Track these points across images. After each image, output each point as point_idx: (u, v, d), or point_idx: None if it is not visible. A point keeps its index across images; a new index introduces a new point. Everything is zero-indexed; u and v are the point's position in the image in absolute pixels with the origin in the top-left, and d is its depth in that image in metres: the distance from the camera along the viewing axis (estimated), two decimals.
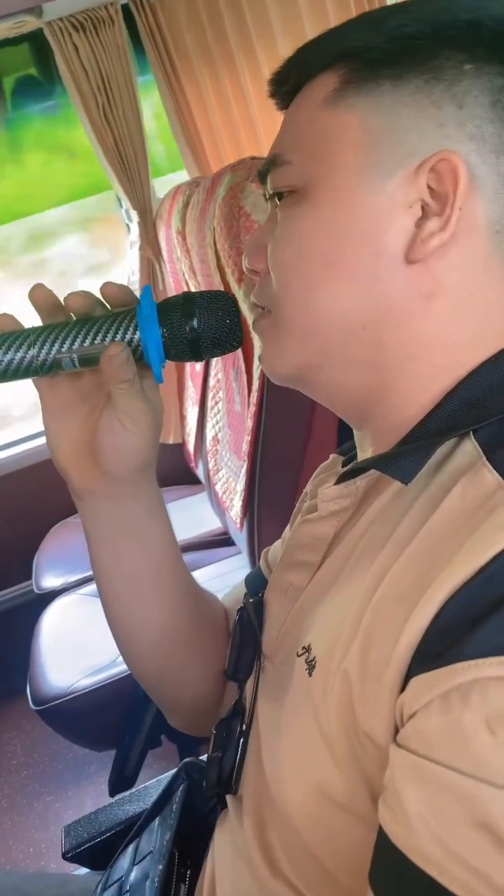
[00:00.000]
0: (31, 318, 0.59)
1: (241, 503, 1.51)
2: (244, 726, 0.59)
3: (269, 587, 0.61)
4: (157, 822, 0.71)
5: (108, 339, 0.55)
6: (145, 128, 2.13)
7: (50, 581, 1.92)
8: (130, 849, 0.72)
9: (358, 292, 0.48)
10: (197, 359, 0.57)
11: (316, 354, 0.51)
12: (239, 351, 1.49)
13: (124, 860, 0.71)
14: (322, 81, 0.49)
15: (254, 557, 1.54)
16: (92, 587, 1.80)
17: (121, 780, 1.46)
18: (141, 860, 0.68)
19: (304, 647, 0.49)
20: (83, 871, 0.86)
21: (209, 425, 1.85)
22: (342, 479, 0.54)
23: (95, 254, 3.17)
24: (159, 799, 0.73)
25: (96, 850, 0.82)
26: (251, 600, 0.62)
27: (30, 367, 0.56)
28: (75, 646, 1.61)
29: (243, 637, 0.60)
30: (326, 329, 0.50)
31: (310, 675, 0.47)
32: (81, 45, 1.97)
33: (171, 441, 2.20)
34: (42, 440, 2.28)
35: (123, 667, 1.43)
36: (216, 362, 1.78)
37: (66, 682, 1.47)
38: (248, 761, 0.58)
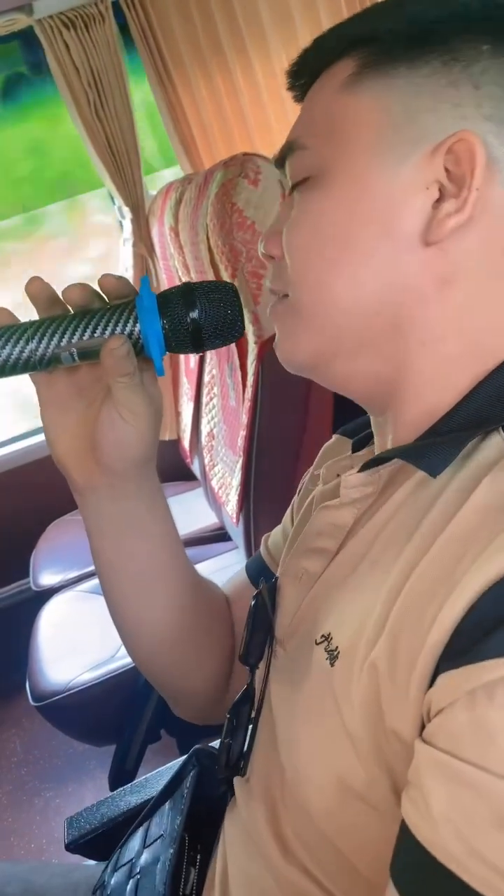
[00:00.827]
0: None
1: (237, 498, 1.52)
2: (255, 711, 0.59)
3: (283, 573, 0.61)
4: (167, 805, 0.71)
5: (107, 332, 0.54)
6: (137, 125, 2.13)
7: (47, 578, 1.92)
8: (140, 831, 0.72)
9: (373, 275, 0.48)
10: (198, 350, 0.56)
11: (331, 341, 0.51)
12: (233, 346, 1.50)
13: (134, 842, 0.71)
14: (339, 68, 0.49)
15: (250, 552, 1.55)
16: (89, 584, 1.80)
17: (121, 775, 1.46)
18: (152, 843, 0.68)
19: (322, 636, 0.49)
20: (87, 862, 0.87)
21: (204, 421, 1.85)
22: (365, 467, 0.53)
23: None
24: (170, 783, 0.73)
25: (99, 841, 0.83)
26: (267, 584, 0.61)
27: (28, 362, 0.55)
28: (73, 642, 1.61)
29: (256, 621, 0.60)
30: (341, 313, 0.49)
31: (332, 664, 0.47)
32: (72, 42, 1.97)
33: (166, 437, 2.21)
34: (38, 437, 2.28)
35: (122, 662, 1.44)
36: (210, 358, 1.79)
37: (65, 678, 1.48)
38: (258, 745, 0.58)
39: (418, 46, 0.46)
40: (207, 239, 1.43)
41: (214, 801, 0.68)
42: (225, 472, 1.67)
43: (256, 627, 0.60)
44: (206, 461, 1.82)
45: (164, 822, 0.70)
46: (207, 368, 1.83)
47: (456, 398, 0.49)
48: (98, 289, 0.57)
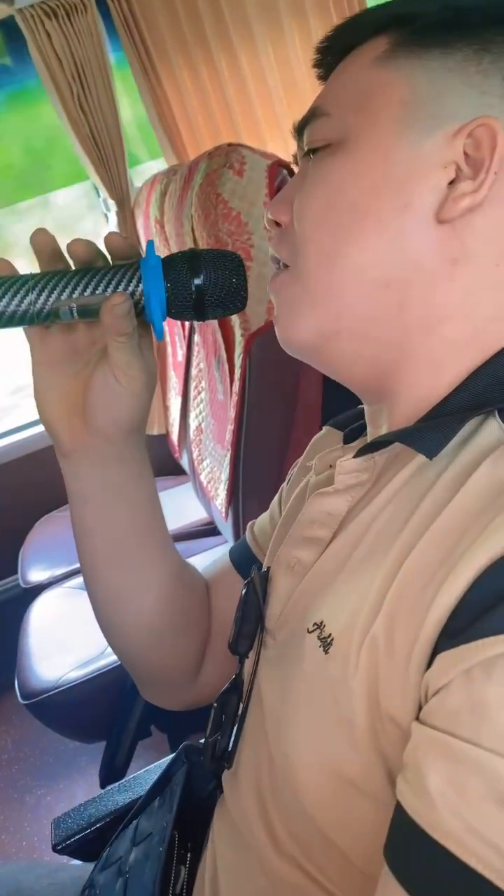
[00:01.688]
0: None
1: (225, 492, 1.51)
2: (243, 702, 0.59)
3: (275, 562, 0.60)
4: (156, 803, 0.71)
5: (109, 291, 0.53)
6: (122, 116, 2.11)
7: (36, 575, 1.91)
8: (129, 830, 0.71)
9: (385, 246, 0.48)
10: (200, 318, 0.55)
11: (335, 317, 0.50)
12: (221, 340, 1.49)
13: (123, 841, 0.71)
14: (372, 45, 0.50)
15: None
16: (79, 580, 1.79)
17: (111, 772, 1.46)
18: (141, 841, 0.68)
19: (315, 624, 0.48)
20: (76, 862, 0.86)
21: (192, 415, 1.84)
22: (361, 452, 0.53)
23: None
24: (159, 781, 0.72)
25: (87, 842, 0.83)
26: (259, 573, 0.61)
27: (25, 315, 0.53)
28: (63, 639, 1.61)
29: (247, 610, 0.59)
30: (349, 285, 0.49)
31: (325, 652, 0.46)
32: (54, 32, 1.95)
33: (154, 432, 2.20)
34: (26, 433, 2.27)
35: (111, 659, 1.43)
36: (198, 352, 1.77)
37: (55, 675, 1.47)
38: (246, 736, 0.58)
39: (452, 33, 0.47)
40: (192, 231, 1.42)
41: (204, 799, 0.67)
42: (213, 467, 1.66)
43: (247, 617, 0.59)
44: (195, 455, 1.81)
45: (153, 821, 0.69)
46: (195, 362, 1.82)
47: (453, 384, 0.49)
48: (103, 248, 0.56)
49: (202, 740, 0.62)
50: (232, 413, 1.45)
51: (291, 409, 1.41)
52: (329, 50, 0.54)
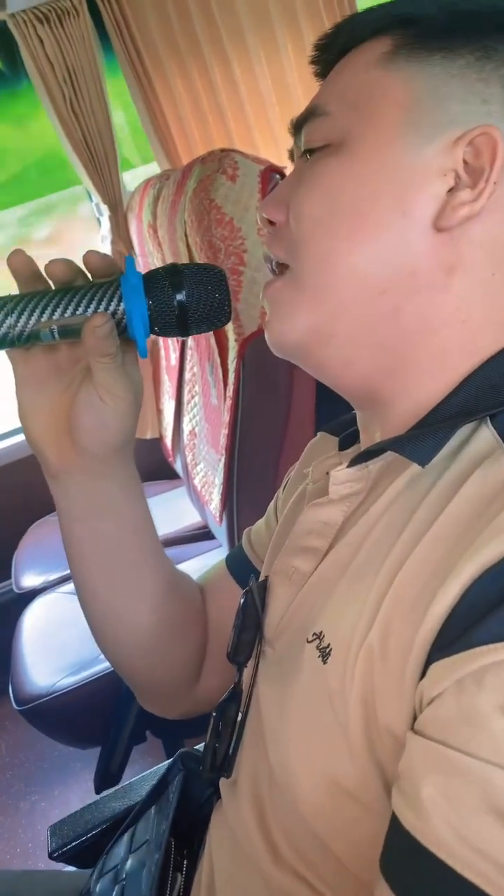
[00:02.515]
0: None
1: (220, 497, 1.51)
2: (242, 711, 0.58)
3: (273, 571, 0.60)
4: (153, 810, 0.71)
5: (90, 310, 0.52)
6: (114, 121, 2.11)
7: (30, 580, 1.90)
8: (126, 837, 0.71)
9: (382, 251, 0.47)
10: (183, 334, 0.54)
11: (330, 320, 0.50)
12: (214, 344, 1.49)
13: (120, 848, 0.71)
14: (373, 44, 0.50)
15: None
16: (72, 585, 1.78)
17: (106, 777, 1.45)
18: (137, 848, 0.68)
19: (314, 634, 0.48)
20: (72, 869, 0.86)
21: (186, 419, 1.84)
22: (354, 461, 0.52)
23: None
24: (155, 788, 0.72)
25: (83, 849, 0.82)
26: (257, 582, 0.61)
27: (5, 338, 0.53)
28: (57, 644, 1.60)
29: (245, 619, 0.59)
30: (344, 287, 0.48)
31: (324, 662, 0.46)
32: (46, 37, 1.95)
33: (148, 436, 2.19)
34: (17, 438, 2.26)
35: (106, 664, 1.42)
36: (191, 356, 1.77)
37: (49, 681, 1.47)
38: (245, 745, 0.57)
39: (456, 38, 0.47)
40: (186, 236, 1.42)
41: (200, 806, 0.67)
42: (207, 471, 1.66)
43: (245, 626, 0.59)
44: (189, 460, 1.81)
45: (149, 827, 0.69)
46: (188, 366, 1.81)
47: (446, 391, 0.49)
48: (83, 266, 0.55)
49: (198, 746, 0.62)
50: (226, 418, 1.45)
51: (286, 414, 1.41)
52: (328, 48, 0.54)
